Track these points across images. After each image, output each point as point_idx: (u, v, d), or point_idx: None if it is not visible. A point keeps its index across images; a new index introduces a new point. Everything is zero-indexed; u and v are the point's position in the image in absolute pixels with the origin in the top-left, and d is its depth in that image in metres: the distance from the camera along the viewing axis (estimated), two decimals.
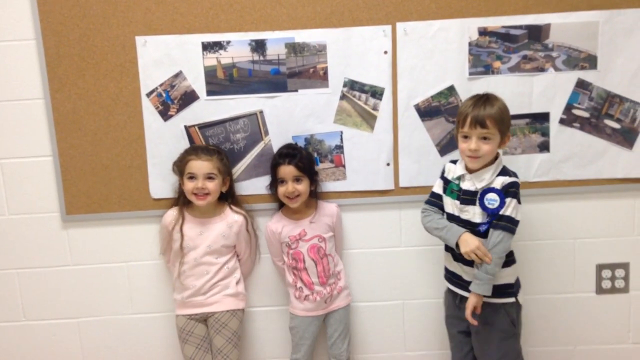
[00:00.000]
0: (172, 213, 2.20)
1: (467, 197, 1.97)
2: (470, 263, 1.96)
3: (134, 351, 2.42)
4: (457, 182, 2.01)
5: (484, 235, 1.93)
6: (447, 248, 2.07)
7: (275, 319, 2.37)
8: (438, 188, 2.09)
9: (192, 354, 2.18)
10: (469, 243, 1.90)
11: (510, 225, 1.90)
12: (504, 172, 1.95)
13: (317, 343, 2.32)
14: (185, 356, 2.20)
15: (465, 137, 1.93)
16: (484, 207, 1.92)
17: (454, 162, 2.07)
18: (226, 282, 2.20)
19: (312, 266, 2.18)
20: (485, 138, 1.89)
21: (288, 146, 2.20)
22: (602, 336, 2.39)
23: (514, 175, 1.95)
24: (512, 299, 1.99)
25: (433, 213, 2.07)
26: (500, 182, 1.92)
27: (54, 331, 2.40)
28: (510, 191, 1.91)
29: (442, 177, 2.09)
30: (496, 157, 1.97)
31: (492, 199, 1.90)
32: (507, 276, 1.99)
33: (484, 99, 1.92)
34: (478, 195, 1.93)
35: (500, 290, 1.98)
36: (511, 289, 2.00)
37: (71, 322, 2.39)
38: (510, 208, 1.89)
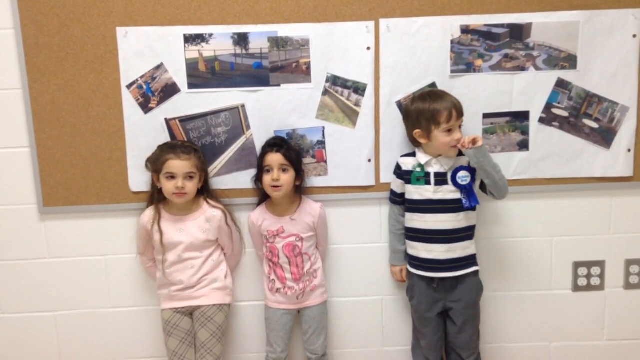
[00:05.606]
0: (149, 213, 2.17)
1: (440, 179, 2.09)
2: (443, 241, 2.08)
3: (111, 345, 2.40)
4: (419, 169, 2.10)
5: (463, 209, 2.08)
6: (416, 239, 2.15)
7: (260, 313, 2.34)
8: (396, 186, 2.20)
9: (176, 347, 2.17)
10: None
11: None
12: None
13: (294, 338, 2.32)
14: (169, 349, 2.18)
15: (449, 130, 2.02)
16: (456, 185, 2.07)
17: (408, 155, 2.17)
18: (214, 275, 2.20)
19: (285, 263, 2.19)
20: (460, 125, 2.06)
21: (277, 137, 2.20)
22: (577, 333, 2.43)
23: None
24: (477, 268, 2.15)
25: (393, 216, 2.24)
26: (463, 160, 2.10)
27: (30, 324, 2.37)
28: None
29: (399, 173, 2.18)
30: None
31: (464, 176, 2.07)
32: (471, 247, 2.15)
33: (440, 93, 2.08)
34: (449, 175, 2.08)
35: (470, 260, 2.13)
36: (475, 259, 2.16)
37: (48, 315, 2.37)
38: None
